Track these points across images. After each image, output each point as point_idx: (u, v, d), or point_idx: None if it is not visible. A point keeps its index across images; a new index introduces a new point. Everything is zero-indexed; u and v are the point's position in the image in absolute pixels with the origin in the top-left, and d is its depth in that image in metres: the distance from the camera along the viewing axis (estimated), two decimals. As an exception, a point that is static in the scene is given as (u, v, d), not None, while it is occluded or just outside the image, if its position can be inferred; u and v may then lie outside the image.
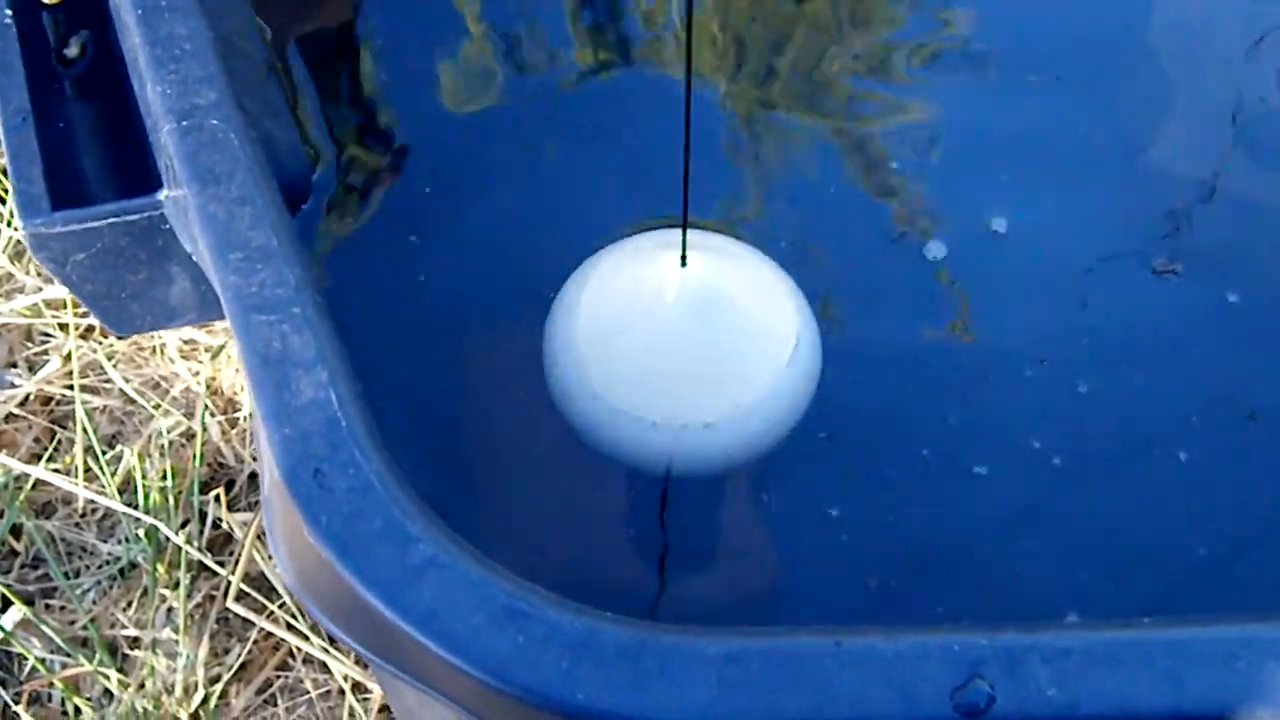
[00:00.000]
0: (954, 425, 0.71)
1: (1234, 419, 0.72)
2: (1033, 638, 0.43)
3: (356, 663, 1.03)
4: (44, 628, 1.03)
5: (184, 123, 0.57)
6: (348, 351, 0.51)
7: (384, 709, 1.03)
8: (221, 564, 1.06)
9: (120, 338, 1.17)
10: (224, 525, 1.08)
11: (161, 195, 0.58)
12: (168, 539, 1.05)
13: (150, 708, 1.01)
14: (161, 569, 1.05)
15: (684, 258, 0.67)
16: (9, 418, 1.13)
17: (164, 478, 1.07)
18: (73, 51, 0.67)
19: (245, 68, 0.64)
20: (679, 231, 0.67)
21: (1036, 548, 0.68)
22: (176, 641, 1.03)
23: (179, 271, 0.61)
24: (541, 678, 0.42)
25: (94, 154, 0.64)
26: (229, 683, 1.03)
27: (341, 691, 1.03)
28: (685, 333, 0.68)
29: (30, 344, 1.18)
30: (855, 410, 0.72)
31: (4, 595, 1.03)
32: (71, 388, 1.13)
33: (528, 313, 0.73)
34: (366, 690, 1.03)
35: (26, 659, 1.02)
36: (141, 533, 1.06)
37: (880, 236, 0.78)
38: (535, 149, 0.81)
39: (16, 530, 1.08)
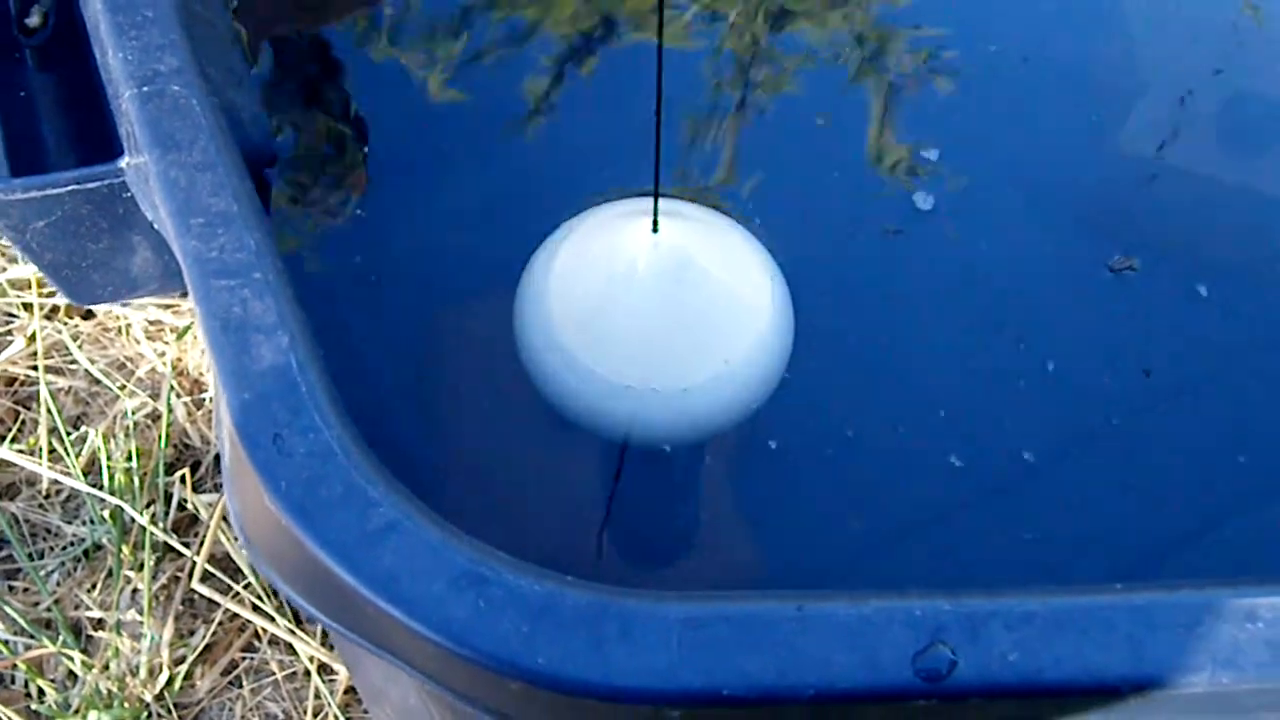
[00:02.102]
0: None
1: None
2: (995, 603, 0.43)
3: (323, 644, 1.03)
4: (7, 609, 1.02)
5: (145, 88, 0.56)
6: (308, 317, 0.50)
7: (350, 690, 1.03)
8: (187, 545, 1.06)
9: (85, 317, 1.16)
10: (189, 506, 1.07)
11: (123, 162, 0.58)
12: (133, 520, 1.05)
13: (115, 689, 1.00)
14: (126, 550, 1.04)
15: (655, 223, 0.66)
16: (-28, 398, 1.12)
17: (129, 459, 1.06)
18: (34, 21, 0.66)
19: (208, 36, 0.63)
20: (646, 200, 0.66)
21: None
22: (141, 623, 1.02)
23: (140, 240, 0.61)
24: (501, 642, 0.42)
25: (55, 123, 0.64)
26: (194, 664, 1.03)
27: (307, 673, 1.03)
28: (661, 300, 0.67)
29: (-6, 324, 1.17)
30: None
31: (-34, 576, 1.03)
32: (36, 368, 1.12)
33: (493, 288, 0.72)
34: (332, 672, 1.03)
35: (-11, 640, 1.02)
36: (106, 514, 1.05)
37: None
38: (500, 121, 0.80)
39: (-21, 511, 1.07)
